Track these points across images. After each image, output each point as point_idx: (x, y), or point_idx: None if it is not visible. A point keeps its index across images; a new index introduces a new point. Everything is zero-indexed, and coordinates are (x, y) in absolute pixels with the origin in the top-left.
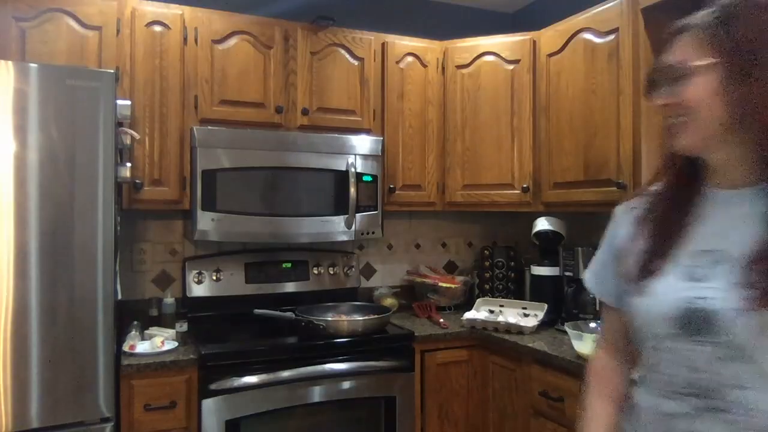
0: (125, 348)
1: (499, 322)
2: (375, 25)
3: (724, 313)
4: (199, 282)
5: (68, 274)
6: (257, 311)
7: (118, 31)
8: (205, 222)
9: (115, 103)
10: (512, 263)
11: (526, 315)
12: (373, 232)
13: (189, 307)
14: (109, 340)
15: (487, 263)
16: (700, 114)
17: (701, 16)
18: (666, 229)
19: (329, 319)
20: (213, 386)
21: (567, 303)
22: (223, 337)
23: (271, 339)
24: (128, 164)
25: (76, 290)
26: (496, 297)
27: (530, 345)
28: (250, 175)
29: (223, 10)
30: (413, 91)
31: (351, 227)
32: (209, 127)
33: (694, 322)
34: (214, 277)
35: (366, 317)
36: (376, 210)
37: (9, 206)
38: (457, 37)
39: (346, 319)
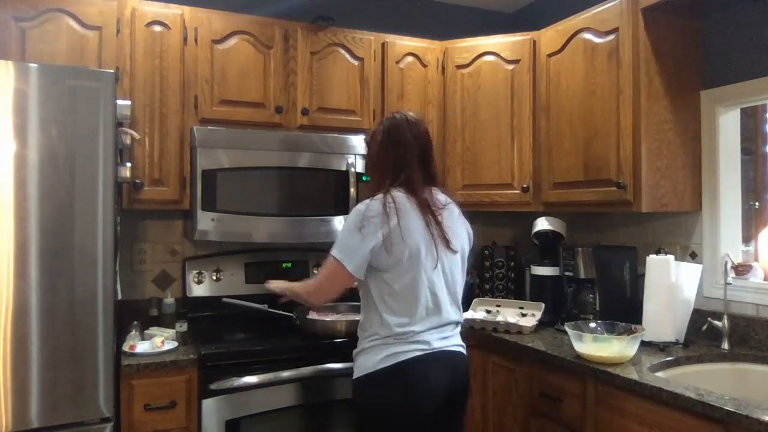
0: (125, 348)
1: (498, 322)
2: (375, 25)
3: None
4: (199, 282)
5: (68, 274)
6: (226, 300)
7: (118, 31)
8: (205, 222)
9: (115, 103)
10: (512, 263)
11: (523, 315)
12: None
13: (189, 307)
14: (109, 340)
15: (487, 263)
16: None
17: None
18: None
19: (328, 319)
20: (213, 386)
21: (567, 303)
22: (223, 337)
23: (271, 339)
24: (128, 164)
25: (76, 290)
26: (496, 297)
27: (530, 345)
28: (250, 175)
29: (223, 10)
30: (413, 91)
31: None
32: (209, 127)
33: None
34: (214, 277)
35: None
36: None
37: (9, 206)
38: (457, 37)
39: (344, 319)
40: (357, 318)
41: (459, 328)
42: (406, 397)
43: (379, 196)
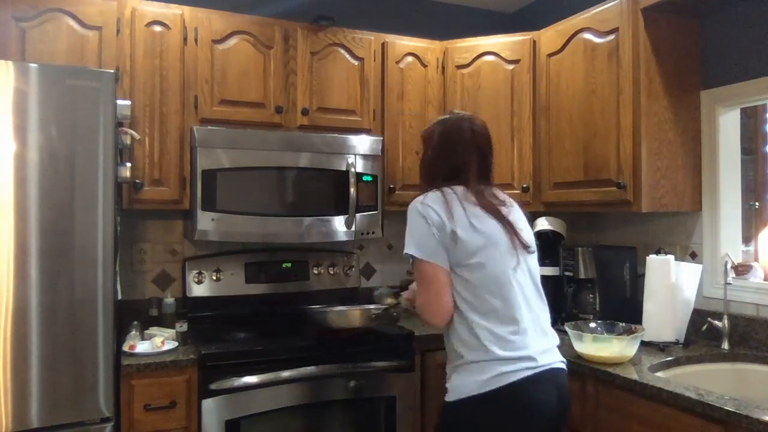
0: (125, 348)
1: None
2: (375, 25)
3: None
4: (199, 282)
5: (68, 274)
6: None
7: (118, 31)
8: (205, 222)
9: (115, 103)
10: None
11: None
12: (373, 232)
13: (189, 307)
14: (109, 340)
15: None
16: None
17: None
18: None
19: (327, 310)
20: (213, 386)
21: (567, 303)
22: (223, 337)
23: (271, 339)
24: (128, 164)
25: (76, 290)
26: None
27: None
28: (250, 175)
29: (223, 10)
30: (413, 91)
31: (351, 227)
32: (209, 127)
33: None
34: (214, 277)
35: (369, 307)
36: (376, 210)
37: (9, 206)
38: (457, 37)
39: (347, 308)
40: (368, 307)
41: (557, 339)
42: (515, 425)
43: (433, 189)
